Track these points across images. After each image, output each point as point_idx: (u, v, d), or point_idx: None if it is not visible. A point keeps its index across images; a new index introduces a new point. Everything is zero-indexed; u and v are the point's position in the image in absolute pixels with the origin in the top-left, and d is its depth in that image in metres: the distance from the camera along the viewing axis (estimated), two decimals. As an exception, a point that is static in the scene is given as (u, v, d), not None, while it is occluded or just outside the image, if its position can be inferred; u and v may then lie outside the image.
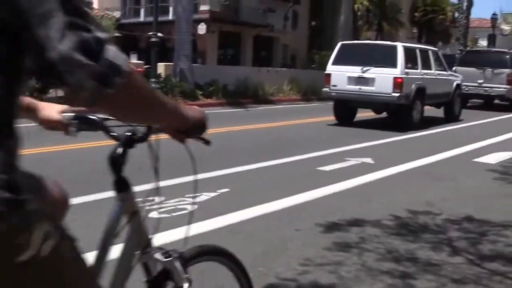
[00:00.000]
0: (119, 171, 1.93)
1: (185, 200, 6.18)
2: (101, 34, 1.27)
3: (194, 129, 1.82)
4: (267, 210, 6.15)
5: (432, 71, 16.42)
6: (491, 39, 44.20)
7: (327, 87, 15.49)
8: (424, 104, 15.83)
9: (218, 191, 6.79)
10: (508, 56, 23.62)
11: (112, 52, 1.27)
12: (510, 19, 56.41)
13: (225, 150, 9.65)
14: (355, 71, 14.88)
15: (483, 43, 53.87)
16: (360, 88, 14.78)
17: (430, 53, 16.93)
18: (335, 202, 6.66)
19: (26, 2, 1.22)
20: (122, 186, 1.95)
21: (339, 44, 16.30)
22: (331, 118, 15.65)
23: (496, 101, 24.16)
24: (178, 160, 8.26)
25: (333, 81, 15.26)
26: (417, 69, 15.50)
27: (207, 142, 1.98)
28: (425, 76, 15.70)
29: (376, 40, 42.56)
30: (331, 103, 16.01)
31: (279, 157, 9.38)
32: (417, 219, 6.04)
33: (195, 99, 20.27)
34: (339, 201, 6.76)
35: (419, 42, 51.23)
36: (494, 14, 45.87)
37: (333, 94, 15.34)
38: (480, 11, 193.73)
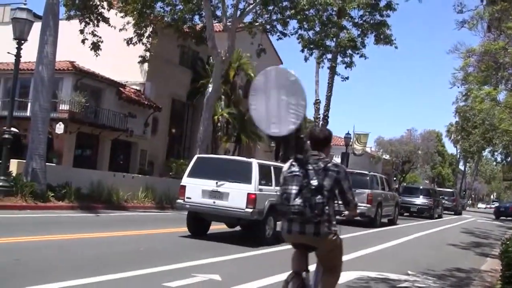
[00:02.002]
0: None
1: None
2: None
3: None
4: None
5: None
6: (344, 157, 46.20)
7: (181, 199, 15.37)
8: (277, 220, 15.72)
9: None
10: (368, 178, 26.67)
11: None
12: (363, 139, 59.23)
13: (55, 262, 9.33)
14: (210, 184, 14.93)
15: (338, 160, 56.13)
16: (214, 202, 14.83)
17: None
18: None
19: (345, 187, 5.97)
20: None
21: (195, 157, 16.50)
22: (184, 229, 15.56)
23: (357, 218, 25.45)
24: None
25: (187, 193, 15.22)
26: (271, 185, 15.64)
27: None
28: (279, 193, 15.78)
29: (234, 152, 43.54)
30: (185, 213, 15.92)
31: (121, 271, 9.02)
32: None
33: (46, 201, 19.65)
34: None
35: (277, 156, 52.70)
36: (347, 133, 48.01)
37: (187, 206, 15.27)
38: (336, 130, 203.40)
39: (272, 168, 16.34)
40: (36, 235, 12.67)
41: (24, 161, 20.89)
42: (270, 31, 36.18)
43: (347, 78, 39.81)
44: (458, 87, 30.76)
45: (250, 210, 14.62)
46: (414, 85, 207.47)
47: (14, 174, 20.22)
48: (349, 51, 37.81)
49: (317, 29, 34.92)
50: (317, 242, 5.92)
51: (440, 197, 47.66)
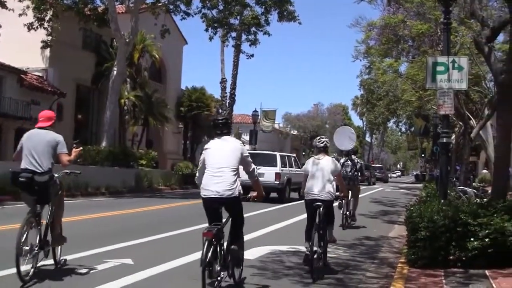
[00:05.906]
0: None
1: None
2: None
3: None
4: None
5: (294, 169, 27.65)
6: (253, 135, 46.33)
7: None
8: (290, 189, 26.78)
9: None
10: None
11: None
12: (271, 116, 59.35)
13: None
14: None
15: (246, 138, 56.30)
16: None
17: (292, 158, 29.63)
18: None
19: (358, 168, 18.14)
20: None
21: None
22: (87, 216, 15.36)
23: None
24: None
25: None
26: (287, 167, 27.04)
27: None
28: (290, 172, 27.05)
29: (142, 135, 43.26)
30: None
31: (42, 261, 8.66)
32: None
33: None
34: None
35: (186, 136, 52.52)
36: (255, 111, 48.14)
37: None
38: (244, 107, 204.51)
39: (286, 157, 28.72)
40: None
41: None
42: (173, 11, 35.99)
43: (252, 55, 40.24)
44: (361, 60, 31.55)
45: (277, 182, 25.49)
46: (319, 60, 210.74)
47: None
48: (253, 29, 38.06)
49: (221, 7, 34.96)
50: (353, 187, 17.13)
51: (374, 170, 68.90)
